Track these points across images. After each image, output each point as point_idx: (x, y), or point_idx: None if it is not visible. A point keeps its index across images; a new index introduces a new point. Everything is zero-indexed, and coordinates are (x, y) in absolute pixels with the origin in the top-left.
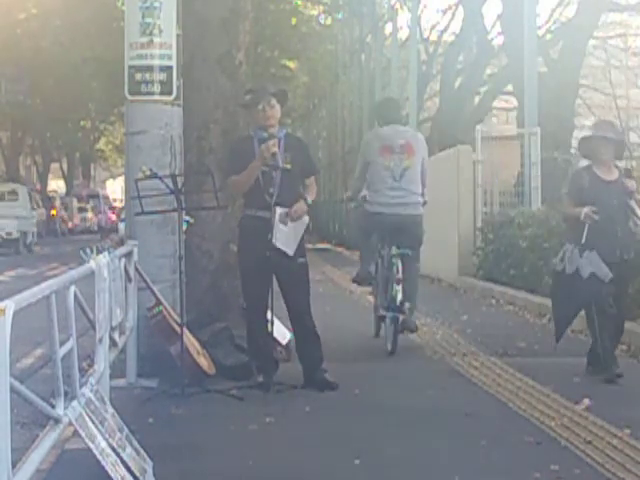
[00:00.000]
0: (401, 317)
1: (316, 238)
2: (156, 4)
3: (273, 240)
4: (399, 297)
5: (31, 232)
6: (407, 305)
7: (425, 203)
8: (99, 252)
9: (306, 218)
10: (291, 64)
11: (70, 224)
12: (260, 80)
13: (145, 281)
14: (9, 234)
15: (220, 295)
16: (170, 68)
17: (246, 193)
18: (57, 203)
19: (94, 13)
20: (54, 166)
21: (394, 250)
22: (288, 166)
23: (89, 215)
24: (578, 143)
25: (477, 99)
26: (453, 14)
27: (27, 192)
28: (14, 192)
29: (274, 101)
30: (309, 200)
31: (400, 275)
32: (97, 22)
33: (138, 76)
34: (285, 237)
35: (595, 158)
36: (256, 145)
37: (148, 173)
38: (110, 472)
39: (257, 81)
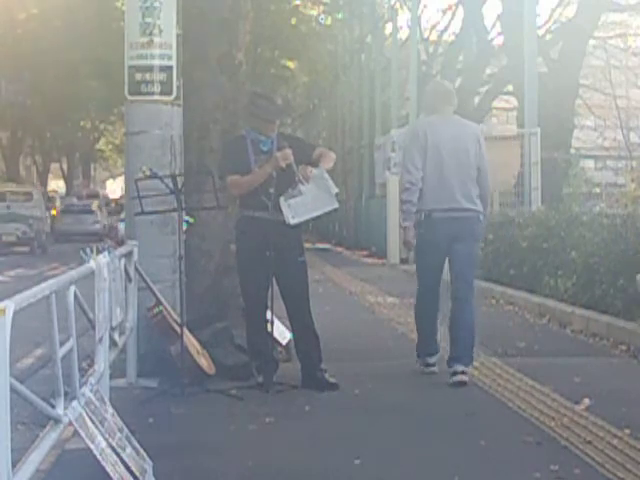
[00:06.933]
0: None
1: (316, 238)
2: (156, 4)
3: (288, 220)
4: None
5: (45, 232)
6: None
7: None
8: (99, 252)
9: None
10: (291, 64)
11: None
12: (260, 80)
13: (145, 281)
14: (24, 233)
15: (220, 295)
16: (170, 68)
17: (243, 194)
18: (57, 203)
19: (94, 13)
20: (54, 166)
21: None
22: (283, 165)
23: None
24: None
25: (477, 99)
26: (453, 14)
27: (41, 194)
28: (29, 193)
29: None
30: (325, 166)
31: None
32: (97, 22)
33: (138, 76)
34: (301, 205)
35: None
36: (249, 145)
37: (148, 173)
38: (110, 472)
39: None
